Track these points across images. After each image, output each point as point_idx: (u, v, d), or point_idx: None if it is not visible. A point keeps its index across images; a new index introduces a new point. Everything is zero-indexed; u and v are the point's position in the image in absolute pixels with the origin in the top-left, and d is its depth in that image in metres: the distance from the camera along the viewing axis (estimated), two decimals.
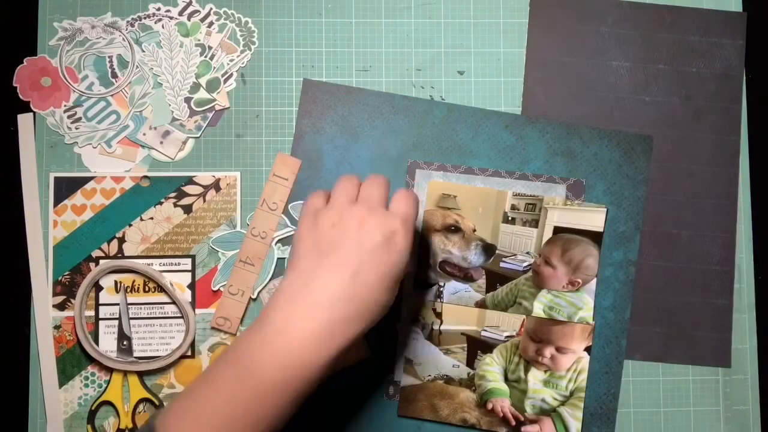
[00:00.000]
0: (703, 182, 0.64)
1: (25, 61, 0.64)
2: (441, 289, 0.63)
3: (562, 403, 0.62)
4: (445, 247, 0.63)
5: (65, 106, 0.64)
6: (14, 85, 0.64)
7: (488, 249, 0.63)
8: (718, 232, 0.64)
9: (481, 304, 0.63)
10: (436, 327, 0.63)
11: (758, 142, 0.65)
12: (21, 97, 0.64)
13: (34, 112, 0.64)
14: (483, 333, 0.62)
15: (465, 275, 0.63)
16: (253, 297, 0.63)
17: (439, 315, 0.63)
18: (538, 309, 0.62)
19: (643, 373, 0.64)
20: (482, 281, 0.63)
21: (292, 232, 0.63)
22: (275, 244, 0.63)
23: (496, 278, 0.63)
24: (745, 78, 0.65)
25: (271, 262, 0.63)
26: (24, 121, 0.64)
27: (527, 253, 0.63)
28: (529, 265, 0.63)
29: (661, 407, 0.64)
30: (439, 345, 0.62)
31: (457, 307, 0.63)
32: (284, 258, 0.63)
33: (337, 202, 0.53)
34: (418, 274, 0.63)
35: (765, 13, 0.66)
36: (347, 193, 0.53)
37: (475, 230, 0.63)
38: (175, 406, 0.47)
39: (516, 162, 0.63)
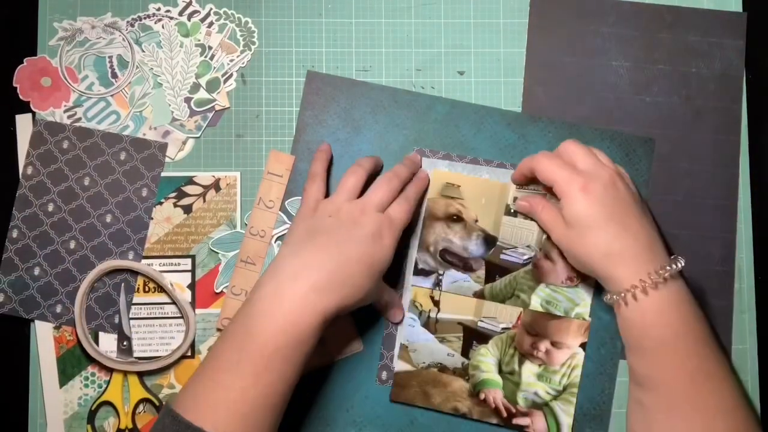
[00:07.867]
0: (703, 182, 0.64)
1: (25, 61, 0.64)
2: (440, 277, 0.63)
3: (555, 398, 0.62)
4: (446, 236, 0.63)
5: (65, 106, 0.64)
6: (14, 85, 0.64)
7: (489, 240, 0.63)
8: (718, 232, 0.64)
9: (479, 295, 0.63)
10: (432, 315, 0.63)
11: (758, 142, 0.65)
12: (21, 97, 0.64)
13: (34, 112, 0.64)
14: (479, 323, 0.62)
15: (465, 265, 0.63)
16: None
17: (436, 303, 0.63)
18: (536, 303, 0.62)
19: None
20: (481, 272, 0.63)
21: None
22: (275, 241, 0.63)
23: (495, 270, 0.63)
24: (745, 78, 0.65)
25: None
26: (24, 121, 0.64)
27: (528, 246, 0.63)
28: (529, 258, 0.63)
29: None
30: (435, 333, 0.62)
31: (455, 297, 0.63)
32: None
33: (339, 198, 0.58)
34: (418, 261, 0.63)
35: (765, 13, 0.66)
36: (350, 192, 0.59)
37: (477, 221, 0.63)
38: (201, 396, 0.51)
39: (518, 160, 0.63)
